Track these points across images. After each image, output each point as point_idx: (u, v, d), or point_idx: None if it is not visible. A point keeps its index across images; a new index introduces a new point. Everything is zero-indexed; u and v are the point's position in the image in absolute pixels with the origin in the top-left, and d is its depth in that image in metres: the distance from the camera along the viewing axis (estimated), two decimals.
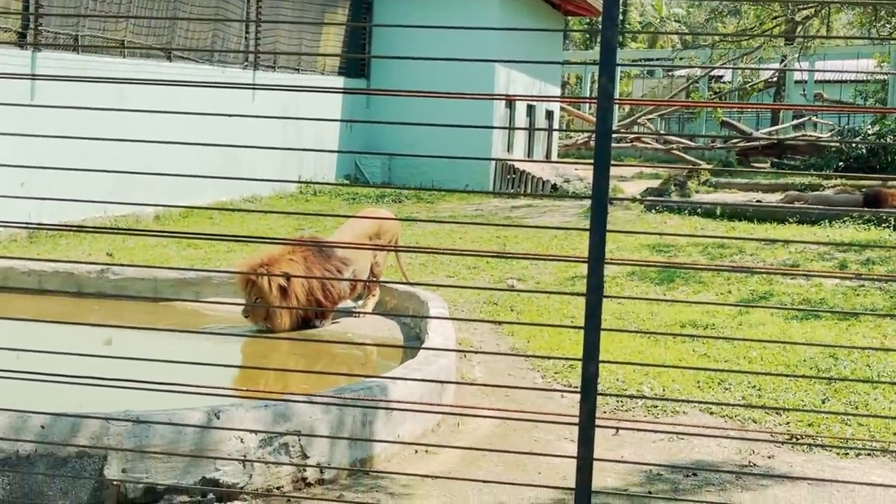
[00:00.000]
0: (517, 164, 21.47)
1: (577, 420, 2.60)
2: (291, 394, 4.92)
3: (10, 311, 5.06)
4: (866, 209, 10.83)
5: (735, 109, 35.86)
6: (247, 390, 5.69)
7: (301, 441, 4.46)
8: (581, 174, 22.43)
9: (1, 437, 3.94)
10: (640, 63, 42.78)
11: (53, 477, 4.01)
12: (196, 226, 14.22)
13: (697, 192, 19.67)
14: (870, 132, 24.34)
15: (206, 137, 14.93)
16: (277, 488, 4.38)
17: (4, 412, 3.86)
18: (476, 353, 6.80)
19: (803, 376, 6.19)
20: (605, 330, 2.62)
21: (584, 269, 2.59)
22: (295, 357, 7.22)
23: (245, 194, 17.35)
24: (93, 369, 3.07)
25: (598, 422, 2.60)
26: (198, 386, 3.02)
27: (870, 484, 4.76)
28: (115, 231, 11.06)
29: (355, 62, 21.77)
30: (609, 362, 3.08)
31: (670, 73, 43.33)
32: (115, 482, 4.07)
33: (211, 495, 4.24)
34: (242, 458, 4.27)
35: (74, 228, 9.39)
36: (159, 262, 10.36)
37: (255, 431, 4.32)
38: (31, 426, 4.00)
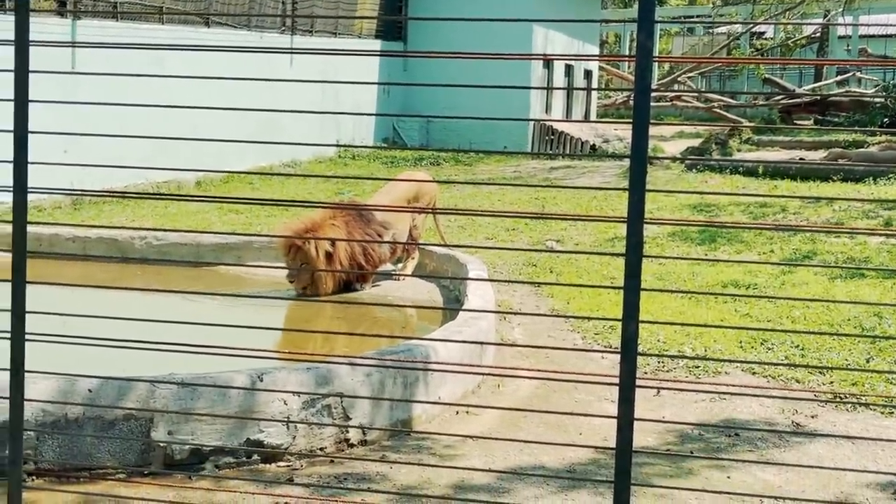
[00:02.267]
0: (555, 125, 21.34)
1: (617, 380, 2.59)
2: (333, 356, 4.97)
3: (56, 277, 5.13)
4: None
5: (777, 66, 35.28)
6: (289, 353, 5.74)
7: (343, 403, 4.51)
8: (620, 134, 22.25)
9: (50, 401, 4.02)
10: (680, 20, 42.14)
11: (101, 439, 4.09)
12: (237, 191, 14.32)
13: (739, 150, 19.42)
14: None
15: (244, 103, 14.98)
16: (321, 449, 4.44)
17: (53, 376, 3.93)
18: (516, 314, 6.81)
19: (847, 335, 6.12)
20: (645, 290, 2.60)
21: (623, 229, 2.57)
22: (336, 320, 7.28)
23: (285, 159, 17.41)
24: (138, 333, 3.12)
25: (638, 382, 2.59)
26: (241, 349, 3.06)
27: None
28: (158, 196, 11.17)
29: (392, 25, 21.69)
30: (650, 322, 3.07)
31: (711, 31, 42.66)
32: (161, 444, 4.14)
33: (256, 456, 4.31)
34: (286, 419, 4.33)
35: (118, 195, 9.48)
36: (201, 228, 10.45)
37: (299, 393, 4.36)
38: (79, 390, 4.08)
